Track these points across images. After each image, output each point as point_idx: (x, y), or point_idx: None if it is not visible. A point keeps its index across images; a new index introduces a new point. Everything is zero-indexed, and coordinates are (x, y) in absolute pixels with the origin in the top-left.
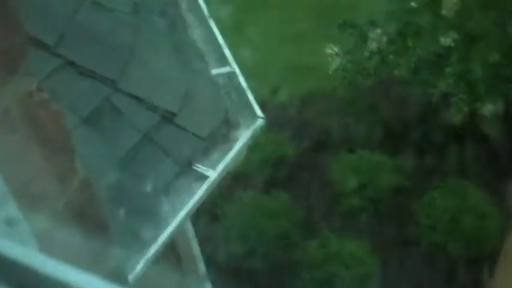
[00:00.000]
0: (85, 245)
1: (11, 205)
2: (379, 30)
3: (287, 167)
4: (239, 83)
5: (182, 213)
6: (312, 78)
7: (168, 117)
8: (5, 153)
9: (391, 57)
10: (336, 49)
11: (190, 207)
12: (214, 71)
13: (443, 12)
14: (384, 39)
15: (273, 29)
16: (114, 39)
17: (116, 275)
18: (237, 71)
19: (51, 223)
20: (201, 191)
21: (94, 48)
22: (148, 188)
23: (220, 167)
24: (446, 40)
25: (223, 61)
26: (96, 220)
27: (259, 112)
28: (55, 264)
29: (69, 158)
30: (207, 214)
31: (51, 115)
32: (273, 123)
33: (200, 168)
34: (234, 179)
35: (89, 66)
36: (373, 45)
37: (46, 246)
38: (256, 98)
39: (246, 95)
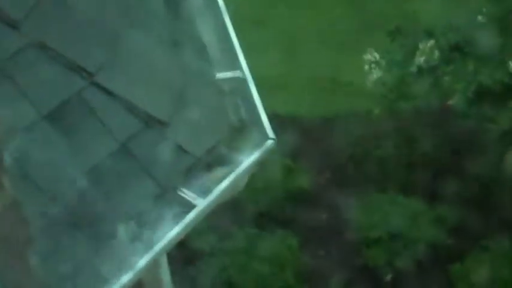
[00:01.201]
0: None
1: None
2: (432, 41)
3: (300, 203)
4: (249, 93)
5: (155, 250)
6: (343, 94)
7: (154, 126)
8: None
9: (445, 78)
10: (376, 56)
11: (167, 241)
12: (220, 75)
13: None
14: (436, 54)
15: (301, 30)
16: (97, 20)
17: None
18: (249, 77)
19: None
20: (183, 223)
21: (70, 29)
22: (118, 212)
23: (212, 195)
24: None
25: (233, 64)
26: (20, 258)
27: (270, 131)
28: None
29: None
30: (189, 252)
31: None
32: (287, 147)
33: (186, 194)
34: (229, 211)
35: (62, 51)
36: (421, 60)
37: None
38: (269, 113)
39: (257, 108)
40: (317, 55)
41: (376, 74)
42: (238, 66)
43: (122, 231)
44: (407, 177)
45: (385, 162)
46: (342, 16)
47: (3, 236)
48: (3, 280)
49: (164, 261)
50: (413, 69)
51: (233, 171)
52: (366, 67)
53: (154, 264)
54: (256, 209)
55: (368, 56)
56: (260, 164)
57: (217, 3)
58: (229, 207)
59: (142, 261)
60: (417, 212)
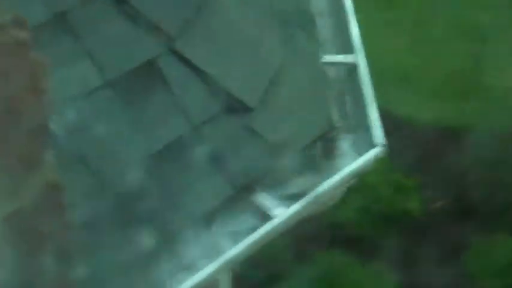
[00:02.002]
0: None
1: None
2: None
3: (405, 231)
4: (361, 84)
5: (218, 262)
6: (482, 100)
7: (237, 112)
8: None
9: None
10: None
11: (233, 255)
12: (328, 58)
13: None
14: None
15: (436, 13)
16: None
17: None
18: (363, 64)
19: None
20: (256, 235)
21: None
22: (179, 212)
23: (296, 206)
24: None
25: (347, 47)
26: (56, 247)
27: (380, 135)
28: None
29: (37, 142)
30: (261, 273)
31: (26, 66)
32: (399, 158)
33: (265, 200)
34: (315, 229)
35: (138, 5)
36: None
37: None
38: (382, 113)
39: (367, 104)
40: (454, 45)
41: None
42: (352, 50)
43: (181, 234)
44: None
45: None
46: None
47: (32, 224)
48: (19, 275)
49: (226, 280)
50: None
51: (327, 178)
52: None
53: (214, 279)
54: (349, 230)
55: None
56: (362, 175)
57: None
58: (315, 224)
59: (202, 273)
60: None
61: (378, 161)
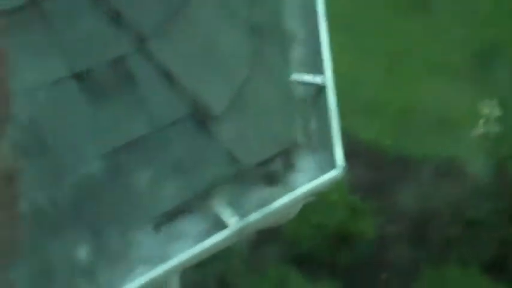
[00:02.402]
0: None
1: None
2: None
3: (358, 252)
4: (327, 105)
5: (167, 266)
6: (444, 134)
7: (202, 118)
8: None
9: None
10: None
11: (184, 259)
12: (296, 76)
13: None
14: None
15: (407, 46)
16: None
17: None
18: (330, 87)
19: None
20: (208, 243)
21: None
22: (131, 212)
23: (252, 217)
24: None
25: (315, 67)
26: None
27: (340, 157)
28: None
29: None
30: (208, 283)
31: None
32: (357, 181)
33: (220, 208)
34: (268, 244)
35: (116, 5)
36: None
37: None
38: (347, 136)
39: (331, 125)
40: (422, 81)
41: (487, 128)
42: (321, 71)
43: (130, 236)
44: (499, 256)
45: (476, 230)
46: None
47: None
48: None
49: (176, 283)
50: None
51: (285, 194)
52: (480, 121)
53: (164, 282)
54: (302, 247)
55: (484, 109)
56: (319, 194)
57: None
58: (270, 237)
59: (149, 275)
60: None
61: (337, 181)
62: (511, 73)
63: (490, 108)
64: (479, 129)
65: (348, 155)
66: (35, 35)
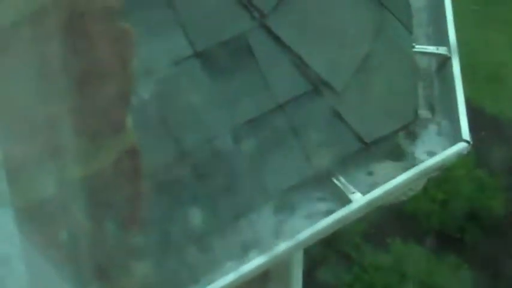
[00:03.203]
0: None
1: None
2: None
3: (488, 229)
4: (452, 77)
5: (293, 240)
6: None
7: (323, 93)
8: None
9: None
10: None
11: (308, 235)
12: (420, 47)
13: None
14: None
15: None
16: None
17: None
18: (455, 57)
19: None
20: (332, 218)
21: None
22: (257, 186)
23: (375, 192)
24: None
25: (439, 38)
26: (132, 221)
27: (466, 131)
28: None
29: (119, 108)
30: (333, 256)
31: (113, 33)
32: (485, 156)
33: (343, 184)
34: (393, 220)
35: None
36: None
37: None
38: (472, 108)
39: (456, 97)
40: None
41: None
42: (445, 42)
43: (257, 210)
44: None
45: None
46: None
47: (109, 192)
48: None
49: (299, 259)
50: None
51: (409, 169)
52: None
53: (287, 257)
54: (426, 224)
55: None
56: (444, 170)
57: None
58: (393, 213)
59: (275, 249)
60: None
61: (463, 156)
62: None
63: None
64: None
65: (475, 128)
66: (157, 14)
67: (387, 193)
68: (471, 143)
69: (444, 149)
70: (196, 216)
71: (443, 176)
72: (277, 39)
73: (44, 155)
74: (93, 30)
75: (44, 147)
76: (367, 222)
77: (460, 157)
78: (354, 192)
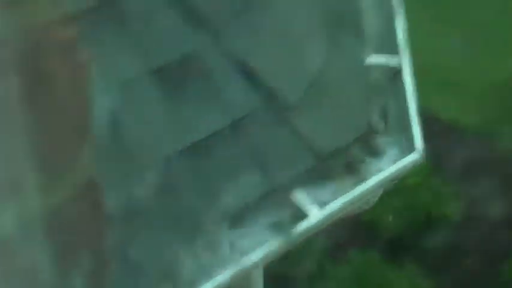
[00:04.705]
0: None
1: None
2: None
3: (441, 234)
4: (404, 88)
5: (247, 260)
6: None
7: (277, 108)
8: None
9: None
10: None
11: (264, 253)
12: (372, 58)
13: None
14: None
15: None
16: None
17: None
18: (407, 66)
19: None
20: (289, 234)
21: None
22: (212, 205)
23: (333, 206)
24: None
25: (391, 47)
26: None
27: (421, 140)
28: None
29: (78, 139)
30: (292, 272)
31: (73, 66)
32: (439, 163)
33: (300, 199)
34: (351, 231)
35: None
36: None
37: None
38: (426, 117)
39: (410, 107)
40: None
41: None
42: (397, 50)
43: (213, 229)
44: None
45: None
46: None
47: (70, 227)
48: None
49: (258, 277)
50: None
51: (365, 180)
52: None
53: (244, 278)
54: (384, 233)
55: None
56: (401, 178)
57: None
58: (351, 224)
59: (226, 273)
60: None
61: (418, 164)
62: None
63: None
64: None
65: (429, 136)
66: (110, 36)
67: (344, 206)
68: (425, 152)
69: (399, 159)
70: (153, 238)
71: (399, 185)
72: (230, 54)
73: (0, 190)
74: (50, 63)
75: (0, 183)
76: (326, 235)
77: (415, 166)
78: (310, 207)
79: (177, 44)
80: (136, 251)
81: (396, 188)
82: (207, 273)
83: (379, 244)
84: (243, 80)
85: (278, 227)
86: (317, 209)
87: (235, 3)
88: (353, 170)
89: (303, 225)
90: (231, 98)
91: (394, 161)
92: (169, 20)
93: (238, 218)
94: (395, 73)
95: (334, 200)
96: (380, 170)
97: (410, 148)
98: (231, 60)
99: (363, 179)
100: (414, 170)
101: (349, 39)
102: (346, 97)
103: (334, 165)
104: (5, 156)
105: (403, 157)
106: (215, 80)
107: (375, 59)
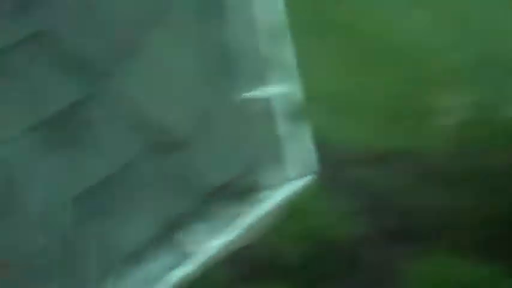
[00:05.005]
0: None
1: None
2: None
3: (333, 258)
4: (295, 111)
5: None
6: (411, 123)
7: (164, 148)
8: None
9: None
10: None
11: None
12: (252, 93)
13: None
14: None
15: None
16: (116, 17)
17: None
18: (296, 92)
19: None
20: (177, 274)
21: (84, 24)
22: (105, 248)
23: (215, 244)
24: None
25: (282, 76)
26: None
27: (311, 163)
28: None
29: None
30: None
31: None
32: (333, 184)
33: (182, 238)
34: (247, 264)
35: (67, 45)
36: None
37: None
38: (318, 139)
39: (299, 131)
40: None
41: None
42: (285, 78)
43: (98, 281)
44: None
45: (453, 212)
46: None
47: None
48: None
49: None
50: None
51: (257, 209)
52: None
53: None
54: (283, 261)
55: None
56: (293, 203)
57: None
58: (252, 254)
59: None
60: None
61: (310, 188)
62: None
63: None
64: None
65: (321, 158)
66: None
67: (237, 236)
68: (318, 174)
69: (290, 184)
70: None
71: (292, 210)
72: (114, 101)
73: None
74: None
75: None
76: (225, 271)
77: (308, 189)
78: (204, 241)
79: (59, 94)
80: None
81: (290, 212)
82: None
83: (280, 274)
84: (131, 124)
85: (166, 270)
86: (211, 243)
87: (117, 50)
88: (244, 201)
89: (183, 268)
90: (117, 144)
91: (285, 187)
92: (48, 73)
93: (124, 266)
94: (285, 99)
95: (225, 231)
96: (271, 198)
97: (302, 172)
98: (115, 108)
99: (255, 208)
100: (307, 193)
101: (227, 75)
102: (231, 132)
103: (225, 198)
104: None
105: (295, 181)
106: (100, 128)
107: (253, 93)
